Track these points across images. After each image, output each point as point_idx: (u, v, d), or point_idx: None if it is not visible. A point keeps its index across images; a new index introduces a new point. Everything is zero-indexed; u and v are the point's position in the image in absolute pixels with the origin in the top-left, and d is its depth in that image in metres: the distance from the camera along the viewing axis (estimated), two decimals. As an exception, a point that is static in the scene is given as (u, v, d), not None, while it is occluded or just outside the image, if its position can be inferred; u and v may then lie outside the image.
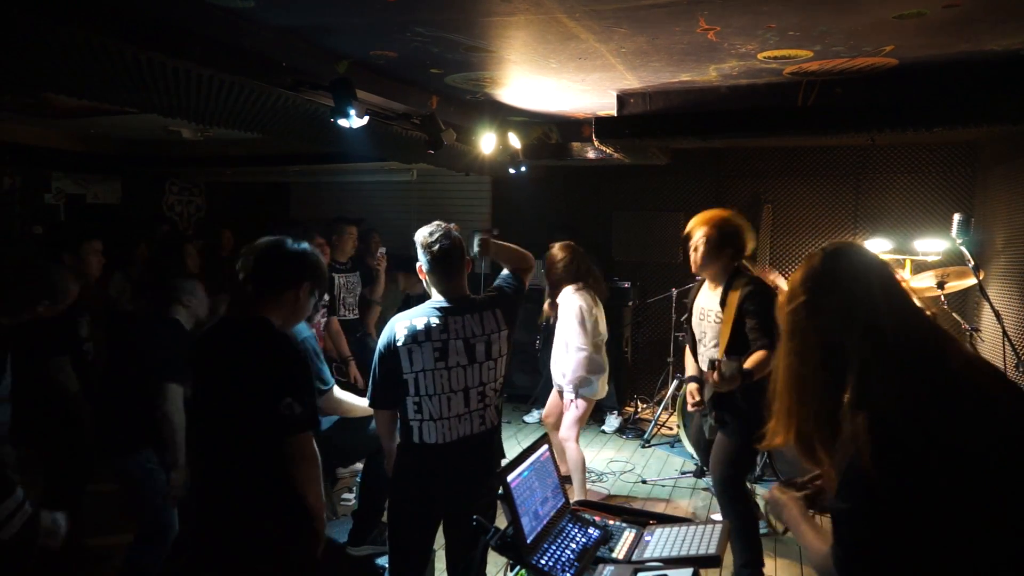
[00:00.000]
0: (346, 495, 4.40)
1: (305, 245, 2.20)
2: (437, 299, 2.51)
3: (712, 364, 2.99)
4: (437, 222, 2.54)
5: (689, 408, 3.37)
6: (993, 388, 1.30)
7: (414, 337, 2.41)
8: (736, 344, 3.07)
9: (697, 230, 3.21)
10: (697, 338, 3.36)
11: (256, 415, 1.97)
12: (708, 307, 3.26)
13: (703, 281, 3.39)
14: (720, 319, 3.15)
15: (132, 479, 3.01)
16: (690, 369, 3.50)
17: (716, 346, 3.17)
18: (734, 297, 3.08)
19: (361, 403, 3.28)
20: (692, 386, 3.32)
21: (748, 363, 2.96)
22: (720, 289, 3.19)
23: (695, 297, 3.43)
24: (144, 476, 2.99)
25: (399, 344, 2.41)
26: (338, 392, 3.10)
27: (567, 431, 4.14)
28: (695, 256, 3.22)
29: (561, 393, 4.19)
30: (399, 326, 2.44)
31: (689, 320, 3.45)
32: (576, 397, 4.06)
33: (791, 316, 1.41)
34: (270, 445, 1.98)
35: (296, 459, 1.99)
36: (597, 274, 4.33)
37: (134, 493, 3.04)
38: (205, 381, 2.11)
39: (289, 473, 1.99)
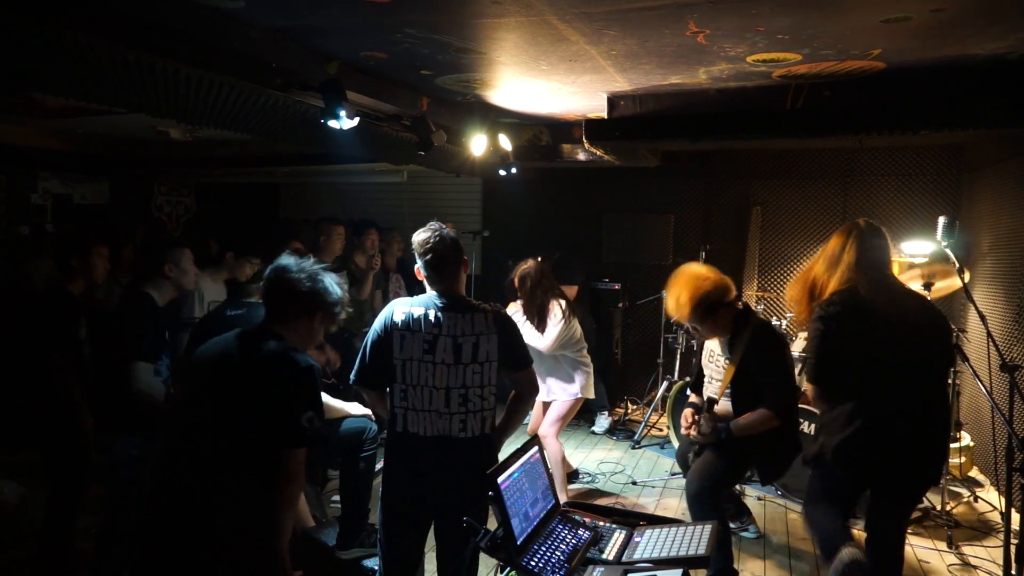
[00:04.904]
0: (335, 498, 4.38)
1: (320, 281, 2.21)
2: (437, 294, 2.54)
3: (706, 405, 3.16)
4: (432, 224, 2.55)
5: (682, 432, 3.42)
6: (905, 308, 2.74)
7: (408, 325, 2.45)
8: (738, 385, 3.16)
9: (679, 315, 3.19)
10: (705, 374, 3.44)
11: (274, 425, 1.99)
12: (716, 350, 3.34)
13: None
14: (727, 365, 3.21)
15: (116, 461, 3.04)
16: (692, 399, 3.57)
17: (719, 385, 3.24)
18: (741, 342, 3.14)
19: (337, 403, 3.28)
20: (688, 411, 3.37)
21: (744, 419, 3.08)
22: (729, 335, 3.24)
23: (706, 337, 3.48)
24: (126, 461, 3.01)
25: (395, 327, 2.46)
26: None
27: (549, 427, 4.19)
28: (699, 334, 3.33)
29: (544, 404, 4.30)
30: (398, 309, 2.49)
31: (699, 357, 3.53)
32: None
33: (829, 250, 2.84)
34: (266, 460, 1.99)
35: (289, 475, 2.02)
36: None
37: (112, 476, 3.06)
38: (211, 390, 2.09)
39: (272, 492, 2.00)
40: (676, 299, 3.16)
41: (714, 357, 3.35)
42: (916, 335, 2.70)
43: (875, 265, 2.75)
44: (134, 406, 3.00)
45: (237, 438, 2.00)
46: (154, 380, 3.02)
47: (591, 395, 4.26)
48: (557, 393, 4.19)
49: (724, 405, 3.22)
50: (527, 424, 4.92)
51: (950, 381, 4.26)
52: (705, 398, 3.28)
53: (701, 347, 3.51)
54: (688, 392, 3.69)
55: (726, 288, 3.15)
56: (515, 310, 4.17)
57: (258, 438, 2.00)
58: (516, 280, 4.16)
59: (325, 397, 3.10)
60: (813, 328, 2.78)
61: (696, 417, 3.24)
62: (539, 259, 4.27)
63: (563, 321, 4.07)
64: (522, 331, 3.97)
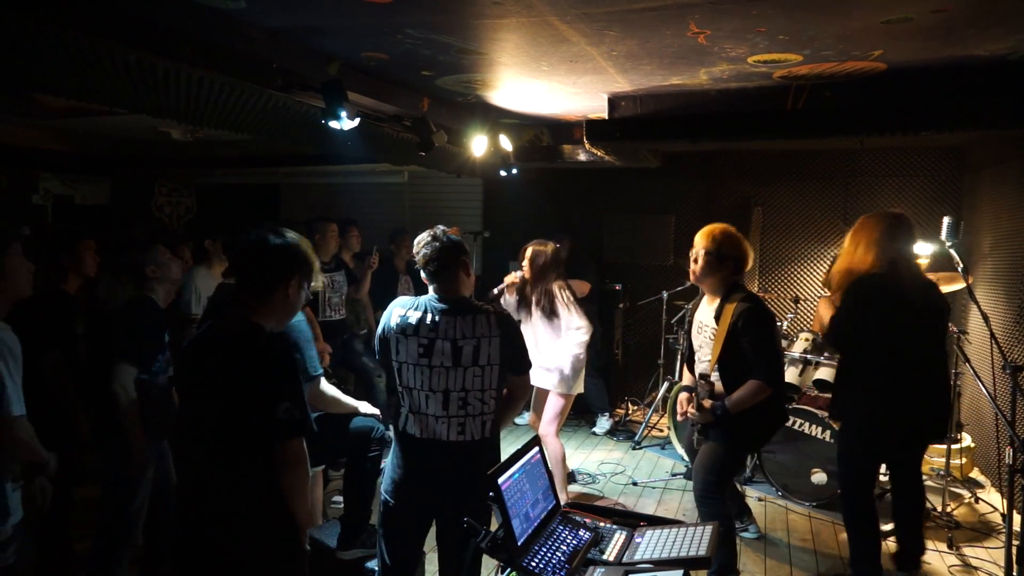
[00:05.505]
0: (336, 498, 4.38)
1: (289, 236, 2.09)
2: (436, 296, 2.52)
3: (698, 381, 3.18)
4: (433, 228, 2.54)
5: (678, 418, 3.44)
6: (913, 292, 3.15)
7: (403, 329, 2.45)
8: (726, 359, 3.15)
9: (698, 242, 3.30)
10: (695, 350, 3.42)
11: (251, 420, 1.93)
12: (705, 321, 3.33)
13: (704, 294, 3.46)
14: (715, 334, 3.20)
15: (112, 463, 3.03)
16: (686, 379, 3.57)
17: (709, 360, 3.23)
18: (728, 312, 3.14)
19: (347, 400, 3.27)
20: (683, 395, 3.38)
21: (737, 394, 3.09)
22: (716, 303, 3.25)
23: (695, 310, 3.50)
24: (120, 465, 3.01)
25: (391, 331, 2.48)
26: (324, 385, 3.06)
27: (547, 426, 4.15)
28: (694, 268, 3.30)
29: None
30: (395, 312, 2.51)
31: (689, 332, 3.52)
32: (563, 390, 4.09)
33: (866, 234, 3.21)
34: (261, 452, 1.95)
35: (287, 464, 1.96)
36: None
37: (108, 478, 3.06)
38: (196, 391, 2.05)
39: (277, 480, 1.96)
40: (713, 230, 3.30)
41: (703, 328, 3.34)
42: (930, 321, 3.17)
43: (909, 254, 3.18)
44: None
45: (225, 435, 1.97)
46: (131, 385, 2.97)
47: (580, 390, 4.20)
48: (547, 382, 4.12)
49: (715, 383, 3.24)
50: (528, 417, 4.93)
51: (951, 382, 4.26)
52: (697, 375, 3.30)
53: (690, 323, 3.50)
54: (681, 375, 3.72)
55: (746, 260, 3.27)
56: (508, 301, 4.12)
57: (242, 433, 1.95)
58: (528, 256, 4.10)
59: (334, 392, 3.08)
60: (844, 301, 3.17)
61: (692, 395, 3.27)
62: (558, 246, 4.23)
63: (573, 304, 4.05)
64: (551, 327, 3.99)
